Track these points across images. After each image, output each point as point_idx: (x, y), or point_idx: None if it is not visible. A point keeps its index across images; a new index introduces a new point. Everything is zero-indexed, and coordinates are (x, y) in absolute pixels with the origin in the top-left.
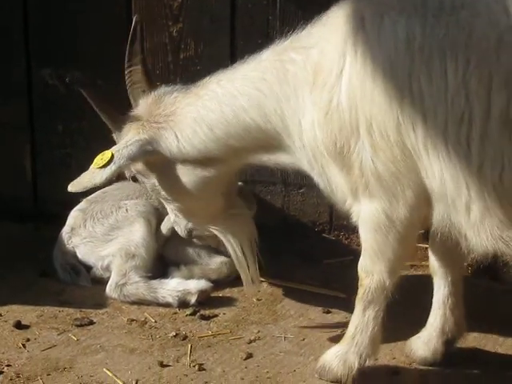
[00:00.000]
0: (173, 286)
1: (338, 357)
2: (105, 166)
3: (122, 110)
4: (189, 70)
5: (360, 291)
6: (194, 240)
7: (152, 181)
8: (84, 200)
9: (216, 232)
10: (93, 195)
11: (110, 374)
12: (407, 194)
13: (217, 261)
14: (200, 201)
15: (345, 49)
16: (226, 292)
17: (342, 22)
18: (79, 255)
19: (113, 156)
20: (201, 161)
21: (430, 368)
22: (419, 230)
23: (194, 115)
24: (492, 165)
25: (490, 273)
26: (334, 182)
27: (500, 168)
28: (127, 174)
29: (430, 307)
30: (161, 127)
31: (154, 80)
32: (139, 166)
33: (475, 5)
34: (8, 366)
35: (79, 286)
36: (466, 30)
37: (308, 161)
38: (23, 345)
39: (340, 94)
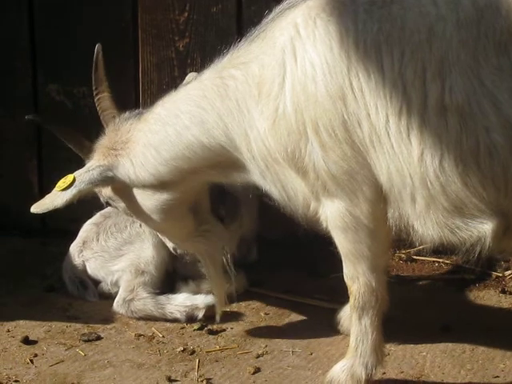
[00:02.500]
0: (180, 302)
1: (345, 371)
2: (66, 188)
3: None
4: None
5: (351, 300)
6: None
7: (121, 204)
8: (98, 214)
9: (191, 250)
10: (106, 209)
11: None
12: (364, 189)
13: (225, 276)
14: (167, 222)
15: (284, 58)
16: (234, 307)
17: (278, 33)
18: (89, 269)
19: (74, 179)
20: (158, 185)
21: (439, 381)
22: (387, 223)
23: (143, 140)
24: (432, 153)
25: (499, 286)
26: (292, 188)
27: (440, 156)
28: (101, 200)
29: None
30: (118, 154)
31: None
32: (108, 191)
33: None
34: (16, 381)
35: (87, 301)
36: (398, 23)
37: (260, 171)
38: (31, 360)
39: (285, 101)
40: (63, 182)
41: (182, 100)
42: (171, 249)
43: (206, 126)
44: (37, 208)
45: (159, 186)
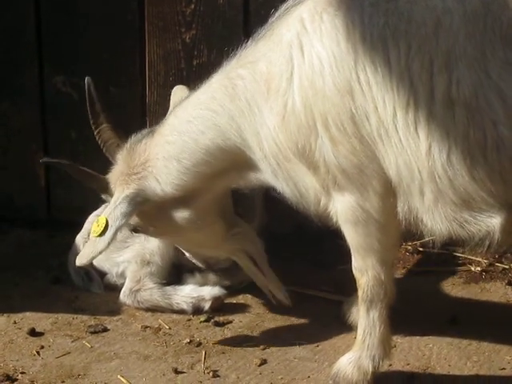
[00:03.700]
0: (187, 293)
1: (352, 363)
2: (103, 232)
3: (134, 117)
4: (202, 76)
5: (359, 293)
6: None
7: (151, 229)
8: (103, 205)
9: (229, 254)
10: None
11: (125, 381)
12: (374, 183)
13: (231, 267)
14: (201, 231)
15: (291, 53)
16: (240, 298)
17: (284, 29)
18: (94, 261)
19: (107, 221)
20: (185, 196)
21: (445, 373)
22: (397, 217)
23: (163, 154)
24: (439, 147)
25: (506, 278)
26: (303, 184)
27: (447, 149)
28: (128, 228)
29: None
30: (141, 177)
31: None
32: (134, 218)
33: None
34: (22, 373)
35: (93, 293)
36: (405, 16)
37: (272, 170)
38: (37, 352)
39: (293, 96)
40: (97, 227)
41: (192, 106)
42: (201, 264)
43: (220, 128)
44: (82, 260)
45: (186, 195)
